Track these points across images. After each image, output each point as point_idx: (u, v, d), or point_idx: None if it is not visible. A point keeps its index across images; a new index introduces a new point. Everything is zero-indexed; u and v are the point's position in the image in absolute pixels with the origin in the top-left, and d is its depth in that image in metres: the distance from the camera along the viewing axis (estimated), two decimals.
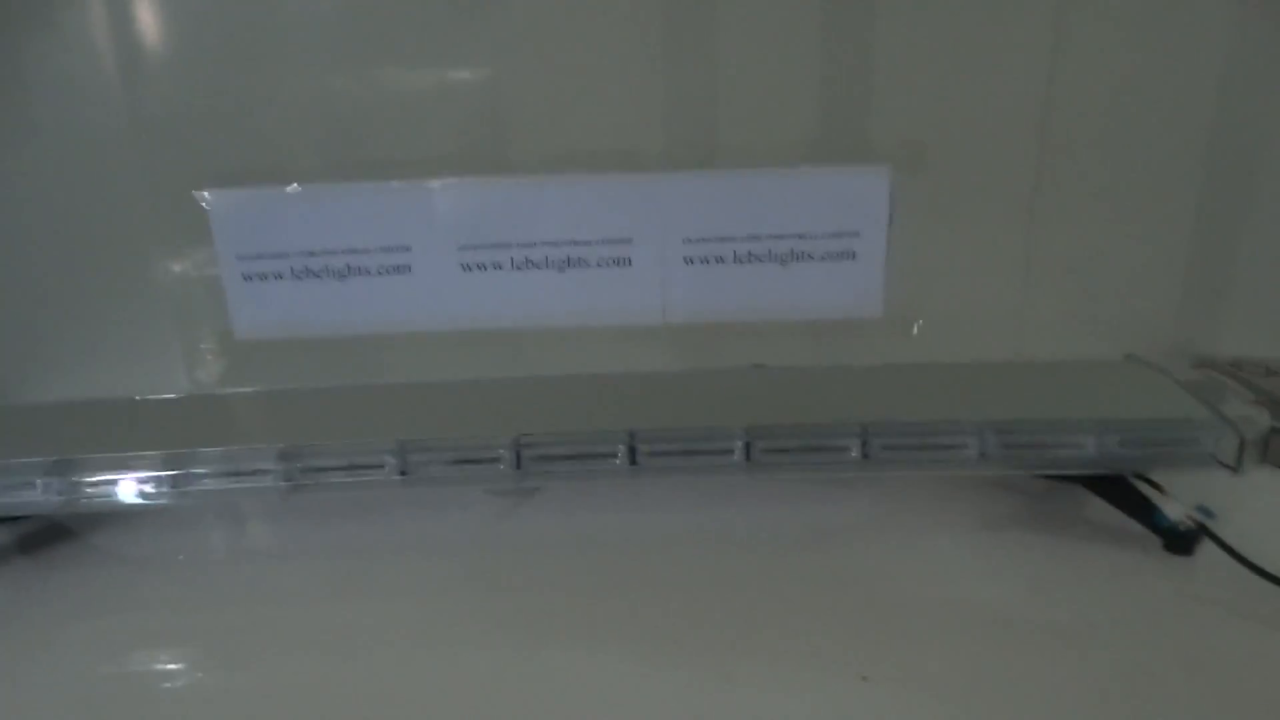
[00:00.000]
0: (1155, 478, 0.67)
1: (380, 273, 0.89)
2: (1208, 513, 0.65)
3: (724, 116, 0.87)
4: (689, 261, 0.89)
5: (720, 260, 0.89)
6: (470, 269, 0.89)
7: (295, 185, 0.86)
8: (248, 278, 0.89)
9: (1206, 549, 0.63)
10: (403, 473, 0.66)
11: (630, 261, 0.89)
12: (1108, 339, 0.87)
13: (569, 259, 0.89)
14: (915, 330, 0.91)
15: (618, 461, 0.65)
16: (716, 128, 0.87)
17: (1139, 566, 0.63)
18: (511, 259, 0.89)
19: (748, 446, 0.65)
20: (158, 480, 0.66)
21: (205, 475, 0.66)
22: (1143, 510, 0.65)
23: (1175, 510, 0.64)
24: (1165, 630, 0.56)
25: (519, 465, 0.65)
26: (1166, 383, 0.70)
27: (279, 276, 0.89)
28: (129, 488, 0.66)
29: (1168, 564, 0.63)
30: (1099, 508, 0.69)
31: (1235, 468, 0.62)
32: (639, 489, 0.76)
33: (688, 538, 0.70)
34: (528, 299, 0.90)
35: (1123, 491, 0.67)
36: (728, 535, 0.70)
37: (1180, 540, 0.64)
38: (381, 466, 0.66)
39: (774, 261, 0.89)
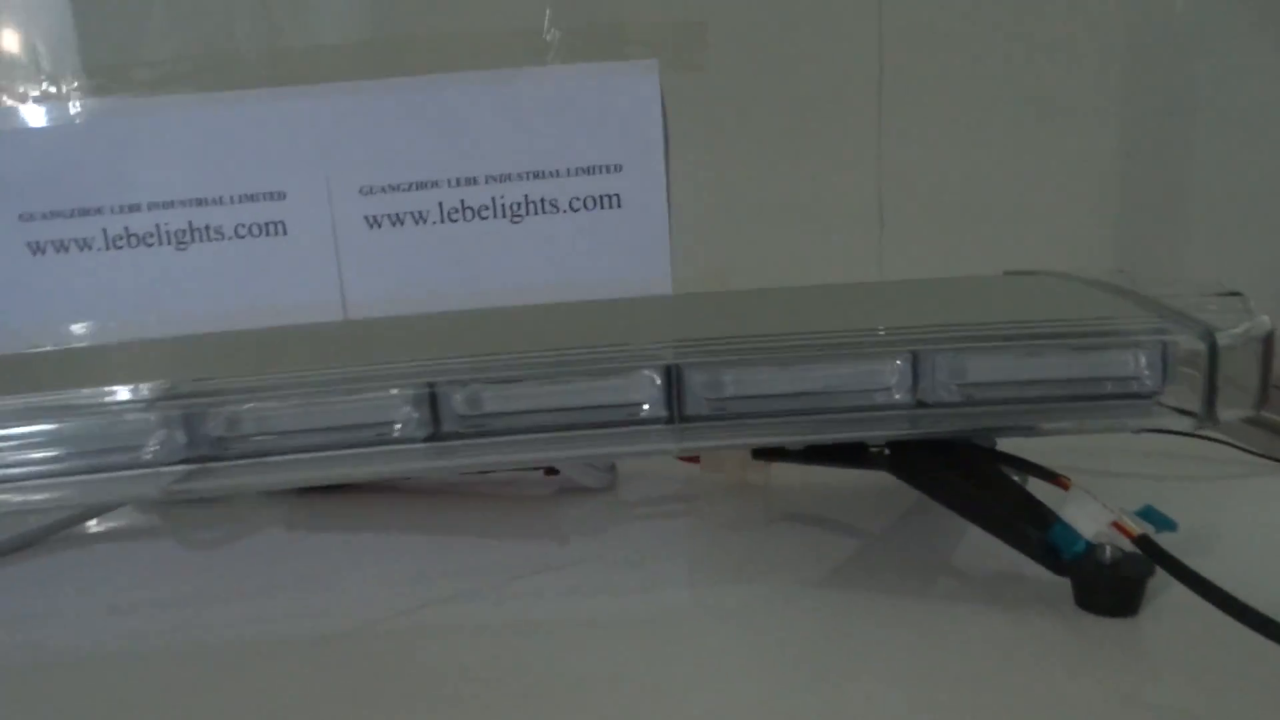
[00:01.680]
0: (1052, 464, 0.36)
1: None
2: (1159, 522, 0.33)
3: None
4: (371, 223, 0.59)
5: (420, 218, 0.59)
6: (39, 251, 0.59)
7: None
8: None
9: (1163, 598, 0.32)
10: None
11: (283, 228, 0.59)
12: None
13: (190, 228, 0.59)
14: None
15: None
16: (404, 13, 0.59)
17: (1023, 646, 0.31)
18: (106, 232, 0.59)
19: None
20: None
21: None
22: (1025, 524, 0.34)
23: (1092, 518, 0.32)
24: None
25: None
26: (1073, 287, 0.40)
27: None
28: None
29: (1085, 636, 0.32)
30: (929, 526, 0.38)
31: (1201, 416, 0.32)
32: None
33: None
34: (131, 290, 0.60)
35: (978, 484, 0.35)
36: None
37: (1107, 581, 0.32)
38: None
39: (501, 216, 0.59)
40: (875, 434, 0.36)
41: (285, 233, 0.59)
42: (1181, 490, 0.46)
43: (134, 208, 0.59)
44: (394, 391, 0.36)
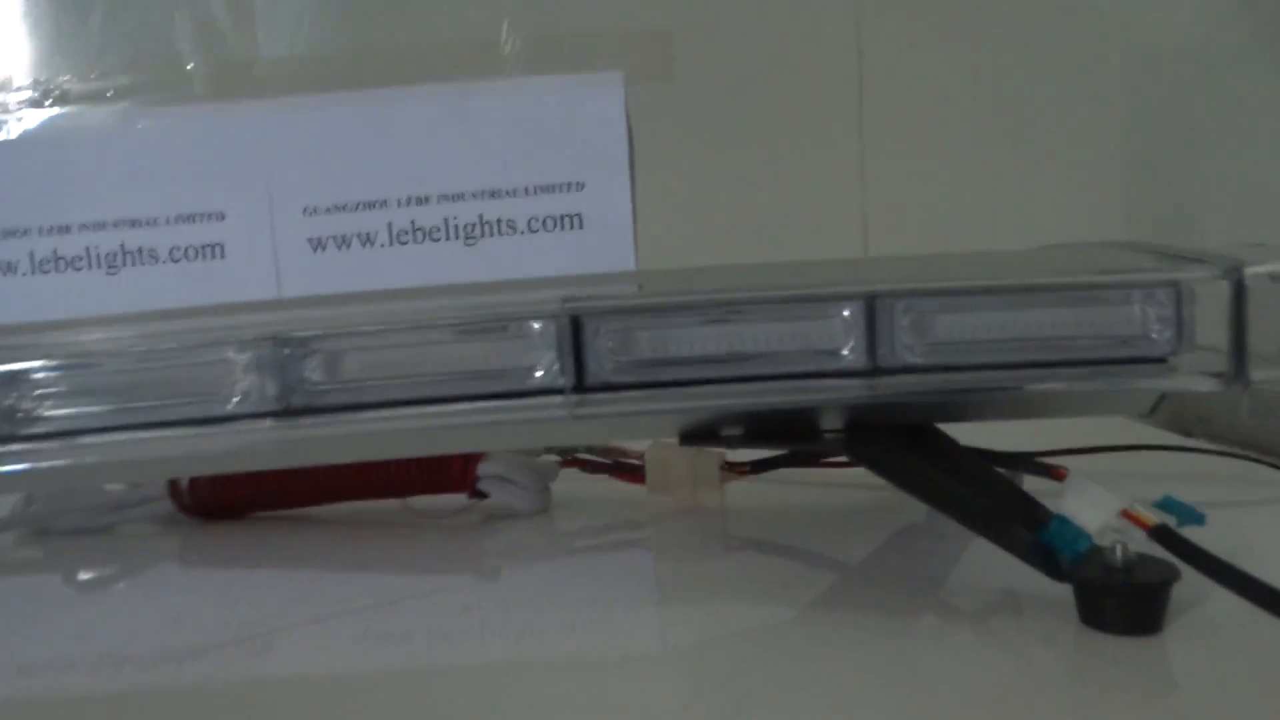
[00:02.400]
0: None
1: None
2: (1182, 513, 0.28)
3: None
4: (316, 246, 0.55)
5: (366, 240, 0.55)
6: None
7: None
8: None
9: (1194, 611, 0.27)
10: None
11: (222, 251, 0.55)
12: None
13: (123, 250, 0.55)
14: None
15: None
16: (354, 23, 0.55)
17: (1018, 690, 0.26)
18: (33, 255, 0.55)
19: None
20: None
21: None
22: (1012, 518, 0.29)
23: (1097, 509, 0.27)
24: None
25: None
26: (1097, 249, 0.36)
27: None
28: None
29: (1092, 664, 0.27)
30: (906, 547, 0.33)
31: (1230, 375, 0.28)
32: None
33: None
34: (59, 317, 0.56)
35: (955, 473, 0.31)
36: None
37: (1118, 588, 0.27)
38: None
39: (454, 238, 0.55)
40: (818, 399, 0.30)
41: (224, 256, 0.55)
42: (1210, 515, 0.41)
43: (63, 229, 0.55)
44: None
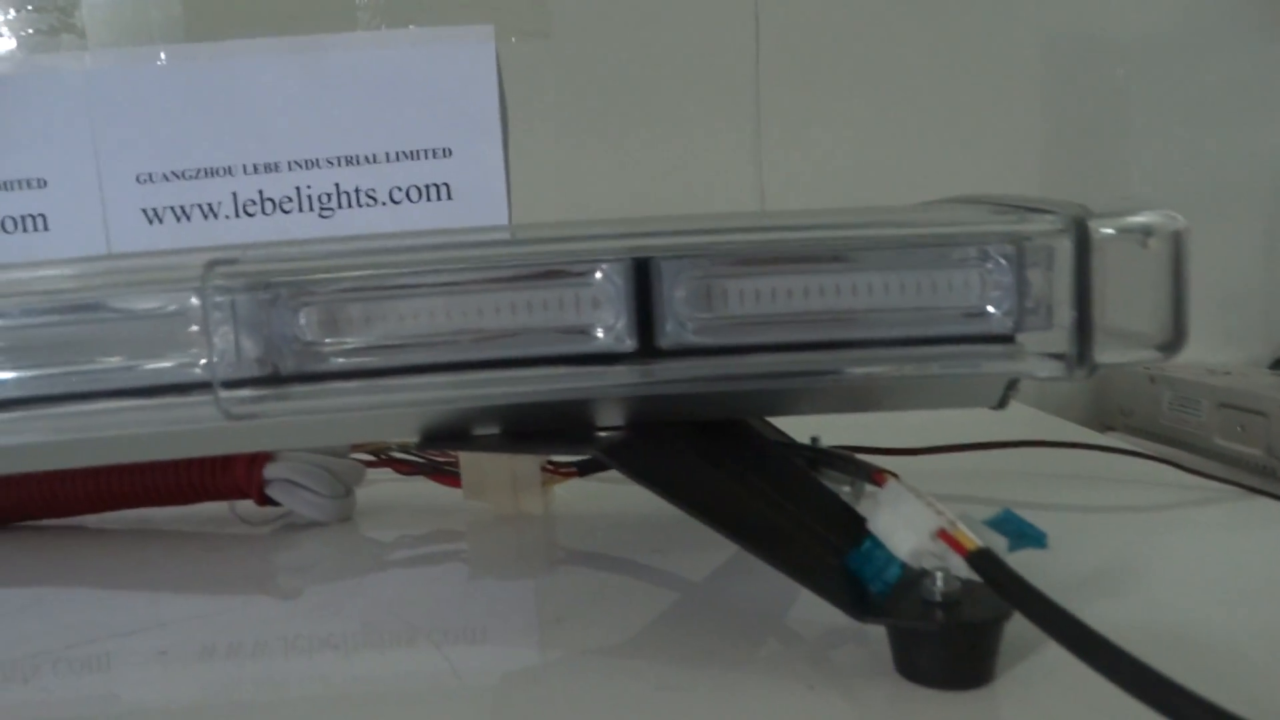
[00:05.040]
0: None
1: None
2: (1020, 534, 0.23)
3: None
4: (151, 217, 0.49)
5: (207, 212, 0.50)
6: None
7: None
8: None
9: (1033, 655, 0.23)
10: None
11: (44, 222, 0.49)
12: None
13: None
14: None
15: None
16: None
17: None
18: None
19: None
20: None
21: None
22: (811, 540, 0.24)
23: (911, 527, 0.22)
24: None
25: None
26: (954, 206, 0.30)
27: None
28: None
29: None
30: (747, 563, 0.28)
31: (1070, 358, 0.23)
32: None
33: None
34: None
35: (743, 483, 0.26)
36: None
37: (938, 630, 0.22)
38: None
39: (308, 209, 0.50)
40: (565, 388, 0.24)
41: (47, 228, 0.49)
42: (1102, 521, 0.36)
43: None
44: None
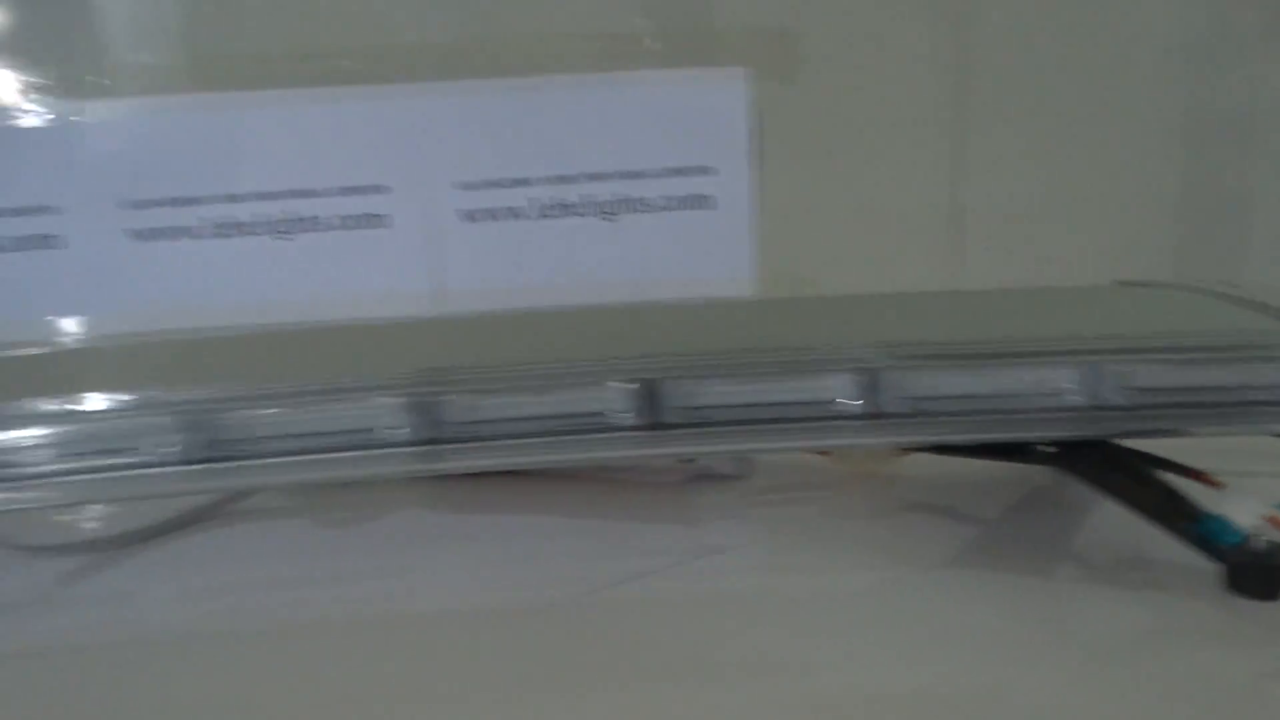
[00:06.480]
0: (1206, 467, 0.39)
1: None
2: None
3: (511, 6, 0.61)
4: (469, 217, 0.61)
5: (516, 214, 0.61)
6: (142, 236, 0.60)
7: None
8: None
9: None
10: None
11: (387, 219, 0.61)
12: None
13: (292, 218, 0.60)
14: None
15: None
16: (501, 19, 0.61)
17: (1181, 623, 0.35)
18: (201, 220, 0.60)
19: None
20: None
21: None
22: (1180, 515, 0.37)
23: (1248, 512, 0.36)
24: None
25: None
26: (1203, 301, 0.43)
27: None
28: None
29: (1236, 616, 0.35)
30: (1104, 517, 0.40)
31: None
32: None
33: None
34: (230, 279, 0.61)
35: (1139, 481, 0.39)
36: None
37: (1256, 569, 0.35)
38: None
39: (594, 213, 0.61)
40: (1051, 434, 0.39)
41: (387, 223, 0.61)
42: None
43: (231, 198, 0.60)
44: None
